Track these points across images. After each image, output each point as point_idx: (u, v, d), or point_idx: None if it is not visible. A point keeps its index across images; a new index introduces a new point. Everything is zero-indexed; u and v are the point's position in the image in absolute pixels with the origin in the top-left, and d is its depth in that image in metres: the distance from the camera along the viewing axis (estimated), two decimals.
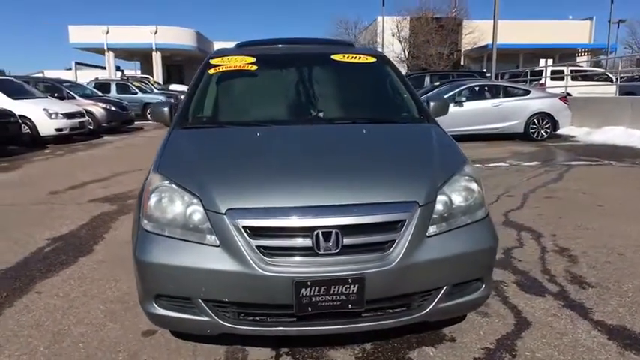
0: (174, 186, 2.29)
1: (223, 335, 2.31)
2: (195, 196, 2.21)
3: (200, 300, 2.17)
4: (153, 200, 2.28)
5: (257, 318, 2.22)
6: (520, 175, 7.35)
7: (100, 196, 6.24)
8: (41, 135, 11.74)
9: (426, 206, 2.23)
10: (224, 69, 3.40)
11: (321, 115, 3.14)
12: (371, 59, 3.59)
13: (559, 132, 12.22)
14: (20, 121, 10.76)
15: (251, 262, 2.07)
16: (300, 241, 2.09)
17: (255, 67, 3.40)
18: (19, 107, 11.16)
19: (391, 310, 2.27)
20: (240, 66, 3.41)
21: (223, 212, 2.12)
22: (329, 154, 2.56)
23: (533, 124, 11.74)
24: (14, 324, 2.82)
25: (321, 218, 2.10)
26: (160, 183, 2.33)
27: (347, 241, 2.10)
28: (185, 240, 2.17)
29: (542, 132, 11.75)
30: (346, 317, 2.20)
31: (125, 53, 40.53)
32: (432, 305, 2.27)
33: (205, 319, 2.19)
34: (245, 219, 2.10)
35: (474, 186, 2.44)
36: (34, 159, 9.87)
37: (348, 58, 3.51)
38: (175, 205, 2.24)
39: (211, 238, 2.14)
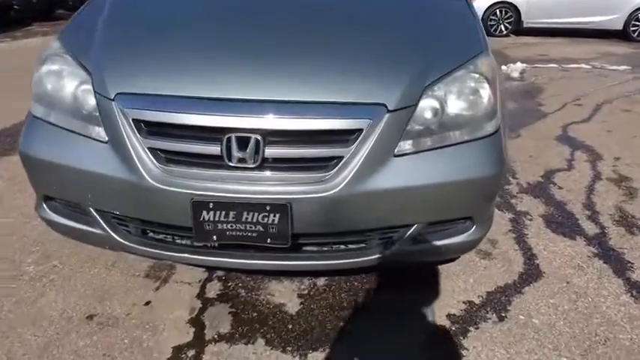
0: (68, 57, 1.75)
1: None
2: (90, 74, 1.67)
3: (92, 210, 1.72)
4: (42, 70, 1.77)
5: (165, 239, 1.75)
6: (600, 81, 6.13)
7: None
8: None
9: (398, 112, 1.54)
10: None
11: None
12: None
13: None
14: None
15: (140, 168, 1.54)
16: (204, 147, 1.52)
17: None
18: None
19: (340, 248, 1.72)
20: None
21: (112, 97, 1.58)
22: (282, 30, 1.85)
23: (637, 20, 9.80)
24: None
25: (235, 117, 1.49)
26: (54, 51, 1.80)
27: (270, 152, 1.50)
28: (71, 131, 1.67)
29: None
30: (280, 252, 1.68)
31: None
32: (394, 247, 1.69)
33: (99, 232, 1.75)
34: (135, 108, 1.55)
35: (484, 89, 1.69)
36: None
37: None
38: (65, 81, 1.71)
39: (100, 132, 1.62)
